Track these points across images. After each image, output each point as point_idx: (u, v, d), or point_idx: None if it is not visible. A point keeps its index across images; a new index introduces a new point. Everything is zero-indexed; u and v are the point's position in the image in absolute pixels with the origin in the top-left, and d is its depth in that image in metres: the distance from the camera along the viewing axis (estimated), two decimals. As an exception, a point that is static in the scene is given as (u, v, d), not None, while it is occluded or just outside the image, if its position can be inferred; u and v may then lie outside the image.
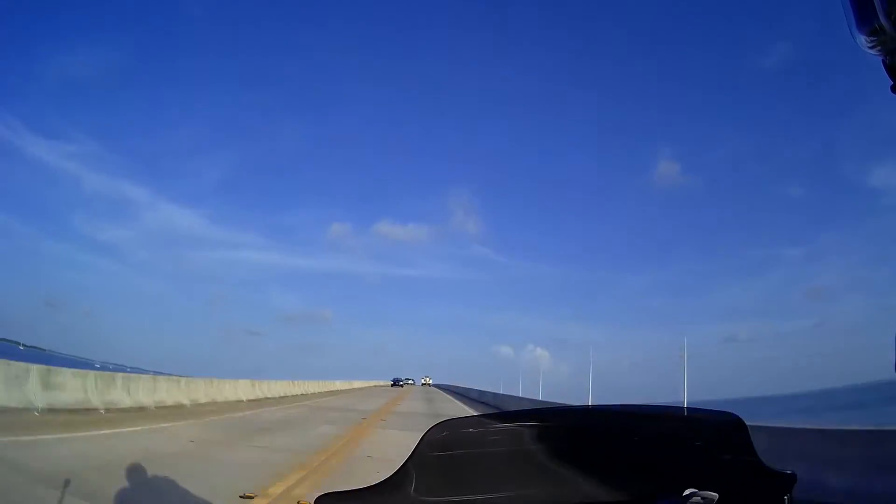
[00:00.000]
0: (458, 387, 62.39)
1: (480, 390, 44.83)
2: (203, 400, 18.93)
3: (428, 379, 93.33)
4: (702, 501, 1.31)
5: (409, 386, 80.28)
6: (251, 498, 6.39)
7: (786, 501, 1.35)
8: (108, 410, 13.49)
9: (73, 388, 12.99)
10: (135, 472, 5.85)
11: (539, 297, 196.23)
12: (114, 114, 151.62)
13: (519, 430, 1.66)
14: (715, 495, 1.31)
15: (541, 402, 25.95)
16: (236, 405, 20.43)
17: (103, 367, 34.35)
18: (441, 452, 1.50)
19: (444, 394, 54.37)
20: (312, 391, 35.43)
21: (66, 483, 4.96)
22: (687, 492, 1.34)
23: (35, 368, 12.10)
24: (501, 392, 38.97)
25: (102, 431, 10.79)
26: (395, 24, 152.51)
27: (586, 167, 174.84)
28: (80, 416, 12.35)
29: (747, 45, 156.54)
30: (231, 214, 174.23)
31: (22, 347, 75.91)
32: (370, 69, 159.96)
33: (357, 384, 59.11)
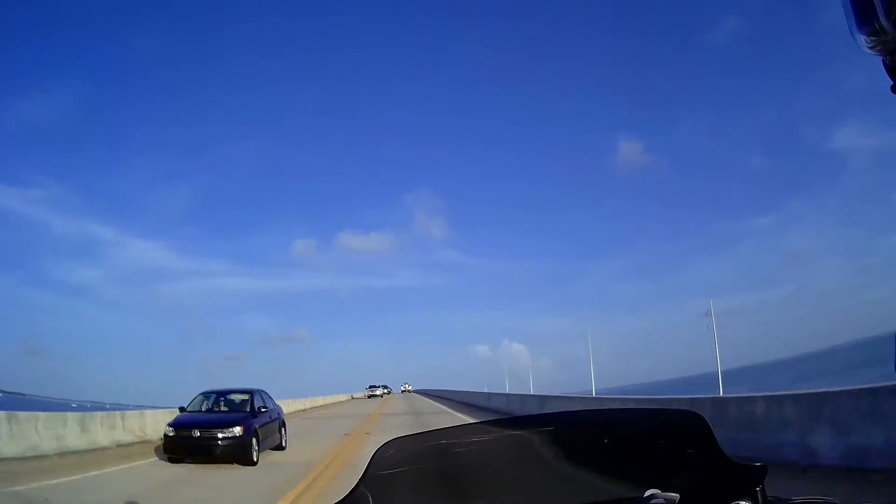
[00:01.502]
0: (443, 391, 56.48)
1: (469, 391, 41.50)
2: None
3: (408, 386, 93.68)
4: (663, 502, 1.29)
5: (387, 395, 70.11)
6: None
7: (758, 494, 1.31)
8: (60, 456, 11.62)
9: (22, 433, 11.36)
10: None
11: (511, 293, 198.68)
12: (73, 154, 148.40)
13: (477, 441, 1.66)
14: (676, 496, 1.29)
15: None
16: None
17: (80, 408, 33.19)
18: (391, 471, 1.50)
19: (433, 401, 45.77)
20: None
21: None
22: (648, 493, 1.32)
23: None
24: (508, 391, 37.47)
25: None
26: (349, 33, 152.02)
27: (545, 158, 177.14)
28: (28, 463, 10.45)
29: (695, 20, 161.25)
30: (196, 244, 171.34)
31: (1, 394, 73.09)
32: (319, 80, 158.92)
33: (332, 398, 55.79)
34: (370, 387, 70.40)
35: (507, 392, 35.46)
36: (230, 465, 11.09)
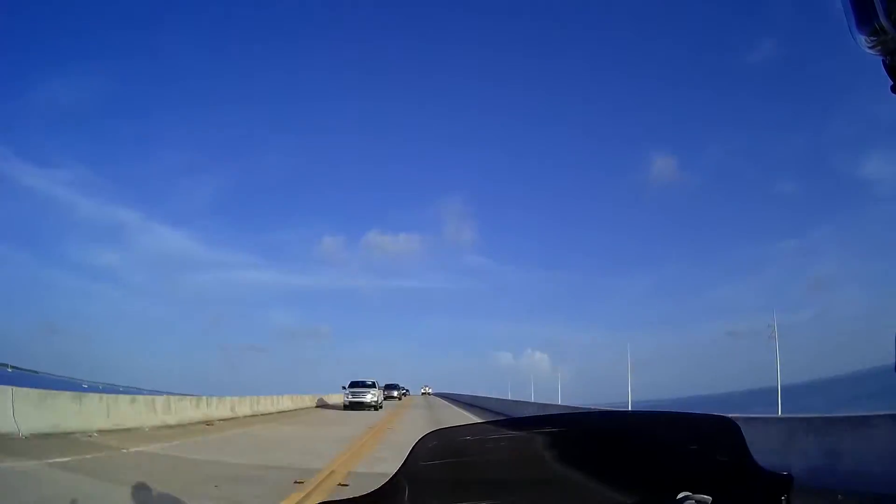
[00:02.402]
0: (467, 396, 50.96)
1: (497, 398, 37.85)
2: (171, 422, 15.84)
3: (428, 388, 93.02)
4: None
5: (405, 398, 55.65)
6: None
7: (783, 502, 1.34)
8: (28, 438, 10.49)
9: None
10: None
11: (536, 303, 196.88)
12: (103, 139, 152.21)
13: (513, 438, 1.67)
14: (709, 499, 1.30)
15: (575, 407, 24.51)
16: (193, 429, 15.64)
17: (91, 388, 33.72)
18: (433, 461, 1.50)
19: (458, 409, 37.19)
20: (276, 408, 25.53)
21: None
22: (681, 495, 1.34)
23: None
24: (534, 400, 35.97)
25: None
26: (384, 36, 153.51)
27: (579, 172, 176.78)
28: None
29: (733, 42, 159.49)
30: (223, 235, 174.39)
31: (10, 370, 74.62)
32: (358, 79, 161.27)
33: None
34: (353, 385, 31.42)
35: (534, 400, 34.26)
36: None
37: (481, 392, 48.03)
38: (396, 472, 1.44)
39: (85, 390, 17.92)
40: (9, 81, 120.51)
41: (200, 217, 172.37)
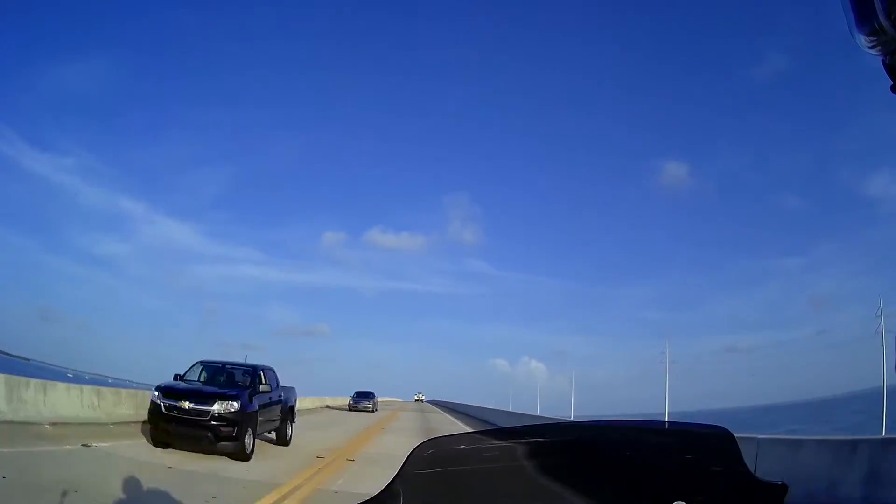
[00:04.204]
0: (463, 406, 47.17)
1: (497, 410, 35.63)
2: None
3: (421, 395, 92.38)
4: None
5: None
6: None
7: None
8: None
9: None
10: None
11: (535, 309, 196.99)
12: (110, 127, 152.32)
13: (508, 447, 1.68)
14: None
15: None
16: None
17: (77, 378, 33.22)
18: (428, 470, 1.50)
19: (456, 420, 34.12)
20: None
21: None
22: None
23: None
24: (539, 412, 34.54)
25: None
26: (394, 34, 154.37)
27: (584, 180, 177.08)
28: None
29: (742, 57, 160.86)
30: (226, 229, 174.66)
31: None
32: (364, 77, 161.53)
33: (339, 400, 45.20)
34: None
35: (539, 414, 33.23)
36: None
37: (476, 401, 46.80)
38: (392, 480, 1.44)
39: (70, 380, 17.64)
40: (16, 65, 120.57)
41: (203, 210, 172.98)
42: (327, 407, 38.13)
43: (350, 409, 35.28)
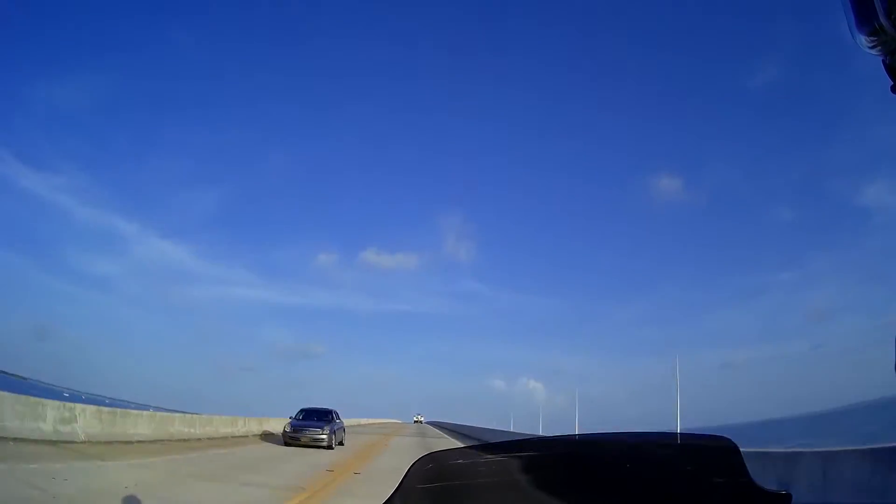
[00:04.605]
0: (467, 427, 44.71)
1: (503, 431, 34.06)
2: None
3: (420, 417, 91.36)
4: None
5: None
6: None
7: None
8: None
9: None
10: None
11: (531, 328, 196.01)
12: (102, 145, 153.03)
13: (509, 461, 1.66)
14: None
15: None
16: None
17: (73, 398, 32.97)
18: (427, 485, 1.48)
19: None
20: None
21: None
22: None
23: None
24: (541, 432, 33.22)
25: None
26: (384, 45, 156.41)
27: (578, 200, 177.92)
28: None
29: (734, 67, 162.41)
30: (220, 250, 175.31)
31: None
32: (357, 91, 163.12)
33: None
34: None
35: (542, 434, 32.74)
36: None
37: (476, 421, 45.74)
38: (391, 496, 1.42)
39: (65, 399, 17.62)
40: (6, 81, 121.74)
41: (197, 230, 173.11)
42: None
43: (287, 443, 20.19)
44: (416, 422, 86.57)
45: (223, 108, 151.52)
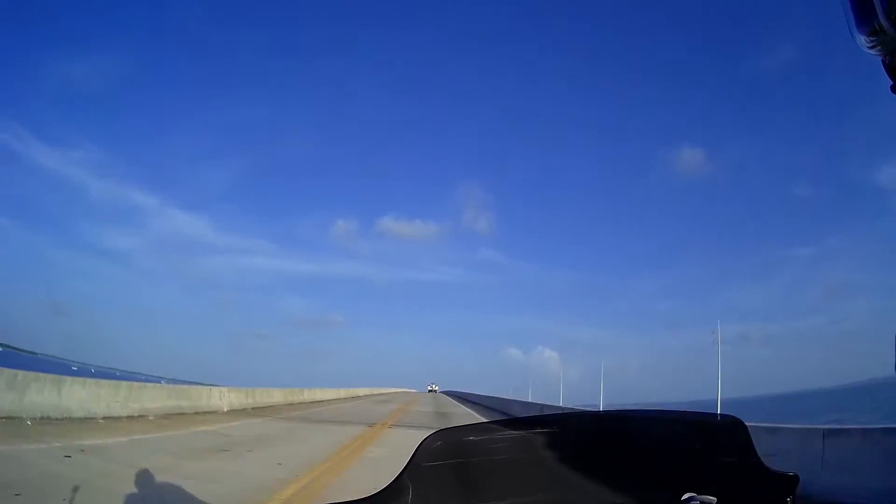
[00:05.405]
0: (487, 398, 40.62)
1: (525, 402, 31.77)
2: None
3: (434, 386, 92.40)
4: None
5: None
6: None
7: (788, 502, 1.35)
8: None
9: None
10: None
11: (549, 300, 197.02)
12: (119, 121, 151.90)
13: (517, 437, 1.67)
14: (713, 499, 1.31)
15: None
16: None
17: (82, 371, 33.57)
18: (438, 462, 1.49)
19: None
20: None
21: None
22: (686, 496, 1.35)
23: None
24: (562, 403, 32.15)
25: None
26: (400, 24, 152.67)
27: (598, 172, 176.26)
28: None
29: (752, 49, 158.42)
30: (238, 221, 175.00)
31: (0, 348, 74.38)
32: (376, 66, 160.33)
33: (362, 391, 45.06)
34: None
35: (562, 405, 31.51)
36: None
37: (492, 391, 42.53)
38: (401, 473, 1.42)
39: (74, 373, 17.81)
40: (24, 59, 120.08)
41: (216, 201, 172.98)
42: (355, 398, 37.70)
43: None
44: (430, 391, 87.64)
45: (244, 81, 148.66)
